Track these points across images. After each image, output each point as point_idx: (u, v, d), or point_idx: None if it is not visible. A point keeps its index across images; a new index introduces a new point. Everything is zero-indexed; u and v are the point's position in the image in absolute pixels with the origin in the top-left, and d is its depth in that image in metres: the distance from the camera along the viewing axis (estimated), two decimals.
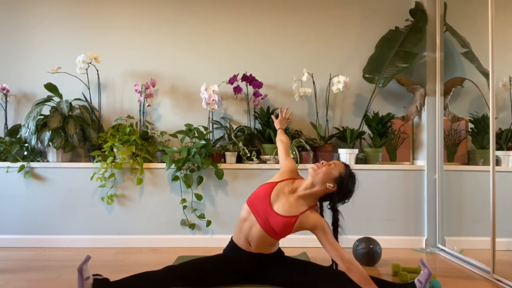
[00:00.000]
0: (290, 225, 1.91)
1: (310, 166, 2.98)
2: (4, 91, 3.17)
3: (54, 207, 2.98)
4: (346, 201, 2.04)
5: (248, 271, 2.00)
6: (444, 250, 2.89)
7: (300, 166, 2.98)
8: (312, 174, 1.96)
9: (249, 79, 3.13)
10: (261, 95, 3.13)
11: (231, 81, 3.12)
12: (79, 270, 1.71)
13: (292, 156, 2.93)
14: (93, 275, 1.80)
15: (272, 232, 1.93)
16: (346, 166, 2.01)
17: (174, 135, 3.03)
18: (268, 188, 2.00)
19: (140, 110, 3.23)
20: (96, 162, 2.93)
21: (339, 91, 3.07)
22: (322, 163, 2.00)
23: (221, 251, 2.13)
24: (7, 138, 3.03)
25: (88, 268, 1.75)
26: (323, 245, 1.91)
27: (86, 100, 3.23)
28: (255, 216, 1.95)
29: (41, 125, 2.96)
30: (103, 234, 2.98)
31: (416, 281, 1.81)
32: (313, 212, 1.95)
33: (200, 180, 2.97)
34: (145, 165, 2.98)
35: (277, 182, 2.03)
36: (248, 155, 3.02)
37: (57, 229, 2.98)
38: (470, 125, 3.12)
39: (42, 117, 2.99)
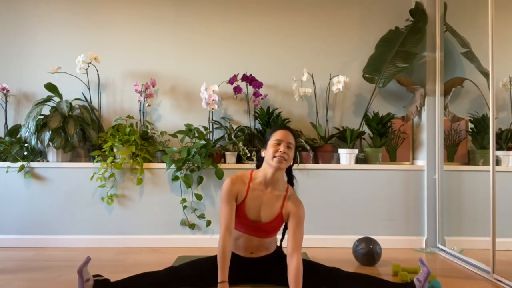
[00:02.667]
0: (280, 221, 1.95)
1: (310, 166, 3.01)
2: (4, 91, 3.17)
3: (54, 207, 2.98)
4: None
5: (248, 271, 2.00)
6: (444, 250, 2.89)
7: (300, 166, 2.98)
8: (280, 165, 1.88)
9: (249, 79, 3.13)
10: (261, 95, 3.13)
11: (231, 81, 3.12)
12: (79, 272, 1.70)
13: None
14: (94, 276, 1.79)
15: (270, 234, 1.98)
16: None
17: (174, 135, 3.03)
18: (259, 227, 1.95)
19: (140, 110, 3.23)
20: (96, 162, 2.93)
21: (339, 91, 3.07)
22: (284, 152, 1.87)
23: None
24: (7, 138, 3.03)
25: (88, 269, 1.75)
26: (294, 231, 1.87)
27: (86, 100, 3.23)
28: (249, 235, 1.96)
29: (41, 125, 2.96)
30: (103, 234, 2.98)
31: (415, 280, 1.81)
32: (291, 201, 1.93)
33: (200, 180, 2.97)
34: (145, 165, 2.98)
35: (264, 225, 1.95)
36: (248, 155, 3.02)
37: (57, 229, 2.98)
38: (470, 125, 3.12)
39: (42, 117, 2.99)
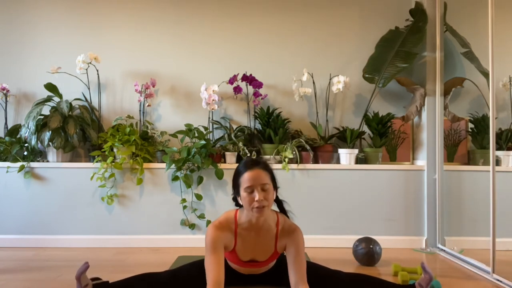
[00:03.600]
0: (277, 255, 1.85)
1: (310, 166, 3.01)
2: (4, 91, 3.17)
3: (54, 207, 2.98)
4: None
5: (249, 284, 1.96)
6: (444, 250, 2.89)
7: (300, 166, 2.98)
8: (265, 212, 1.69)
9: (249, 79, 3.13)
10: (261, 95, 3.13)
11: (231, 81, 3.12)
12: (77, 278, 1.68)
13: (291, 156, 2.94)
14: (91, 279, 1.78)
15: (269, 264, 1.88)
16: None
17: (174, 135, 3.03)
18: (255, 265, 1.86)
19: (140, 110, 3.23)
20: (96, 162, 2.93)
21: (339, 91, 3.07)
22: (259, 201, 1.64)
23: None
24: (7, 138, 3.03)
25: (86, 274, 1.72)
26: (295, 261, 1.71)
27: (86, 100, 3.23)
28: (249, 268, 1.88)
29: (41, 125, 2.95)
30: (103, 234, 2.98)
31: (416, 284, 1.79)
32: (284, 235, 1.77)
33: (200, 180, 2.97)
34: (145, 165, 2.98)
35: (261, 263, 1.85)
36: (248, 155, 3.02)
37: (57, 229, 2.98)
38: (470, 125, 3.11)
39: (42, 117, 2.98)
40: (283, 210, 1.87)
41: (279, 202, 1.88)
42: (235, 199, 1.79)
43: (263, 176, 1.65)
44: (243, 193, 1.65)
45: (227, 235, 1.72)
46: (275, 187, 1.73)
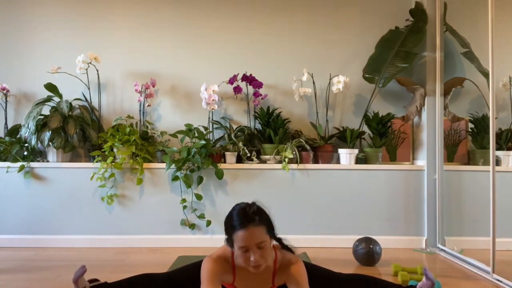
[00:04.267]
0: None
1: (310, 166, 3.00)
2: (4, 91, 3.17)
3: (54, 207, 2.98)
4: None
5: None
6: (444, 250, 2.88)
7: (300, 166, 2.98)
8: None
9: (249, 79, 3.13)
10: (261, 95, 3.13)
11: (231, 81, 3.12)
12: (75, 282, 1.68)
13: (291, 156, 2.94)
14: (89, 280, 1.77)
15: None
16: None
17: (174, 135, 3.03)
18: None
19: (140, 110, 3.23)
20: (96, 162, 2.93)
21: (339, 91, 3.07)
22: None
23: None
24: (7, 138, 3.03)
25: (84, 276, 1.72)
26: None
27: (86, 100, 3.23)
28: None
29: (41, 125, 2.96)
30: (103, 234, 2.98)
31: (418, 287, 1.79)
32: (281, 272, 1.65)
33: (200, 180, 2.97)
34: (145, 165, 2.98)
35: None
36: (248, 155, 3.02)
37: (57, 229, 2.98)
38: (470, 125, 3.12)
39: (42, 117, 2.99)
40: (284, 247, 1.75)
41: (278, 240, 1.74)
42: (228, 242, 1.62)
43: (259, 234, 1.50)
44: (237, 250, 1.53)
45: (225, 272, 1.65)
46: (273, 235, 1.60)
